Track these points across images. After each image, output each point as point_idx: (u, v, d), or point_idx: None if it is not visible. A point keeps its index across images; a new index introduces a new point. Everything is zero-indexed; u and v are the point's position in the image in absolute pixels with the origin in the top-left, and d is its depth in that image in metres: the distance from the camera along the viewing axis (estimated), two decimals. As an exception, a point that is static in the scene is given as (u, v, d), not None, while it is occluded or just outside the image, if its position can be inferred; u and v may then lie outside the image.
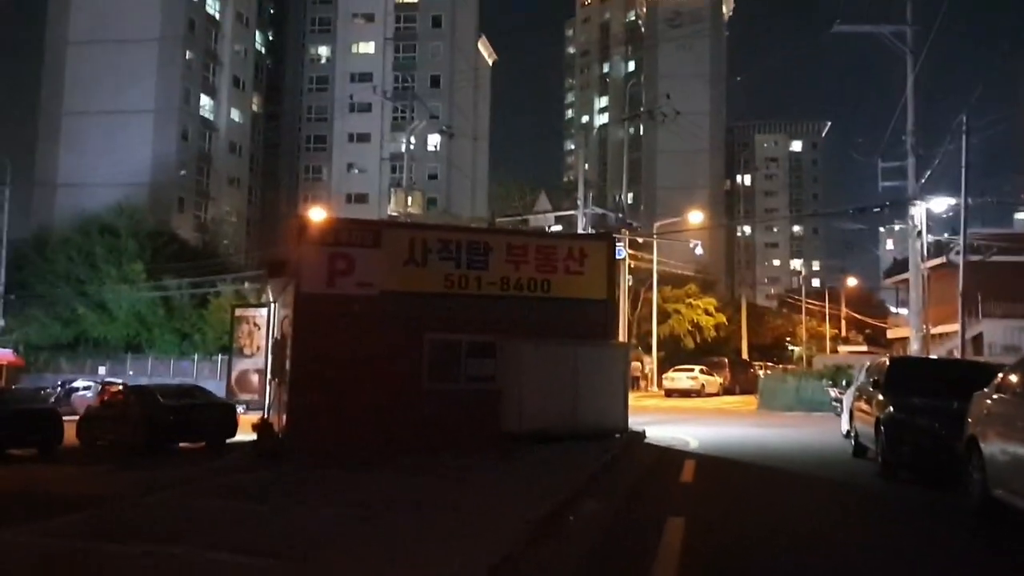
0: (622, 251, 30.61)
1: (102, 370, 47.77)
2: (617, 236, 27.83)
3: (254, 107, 79.17)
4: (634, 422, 17.87)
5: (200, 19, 70.18)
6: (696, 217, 41.47)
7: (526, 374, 15.88)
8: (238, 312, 23.81)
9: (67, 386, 34.86)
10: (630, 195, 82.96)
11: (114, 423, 19.50)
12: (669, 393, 41.29)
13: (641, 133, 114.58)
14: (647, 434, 17.53)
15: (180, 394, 20.30)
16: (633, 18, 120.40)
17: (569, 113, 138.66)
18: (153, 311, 48.00)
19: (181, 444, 19.22)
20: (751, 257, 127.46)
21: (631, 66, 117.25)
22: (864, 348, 50.14)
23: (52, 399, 32.10)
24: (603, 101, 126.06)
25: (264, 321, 21.27)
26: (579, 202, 29.29)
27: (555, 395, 15.98)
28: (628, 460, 13.27)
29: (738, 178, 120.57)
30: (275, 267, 16.06)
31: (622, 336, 34.67)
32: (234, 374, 24.26)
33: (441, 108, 78.40)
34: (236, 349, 24.13)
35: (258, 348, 22.83)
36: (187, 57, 68.66)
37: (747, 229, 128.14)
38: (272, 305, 19.62)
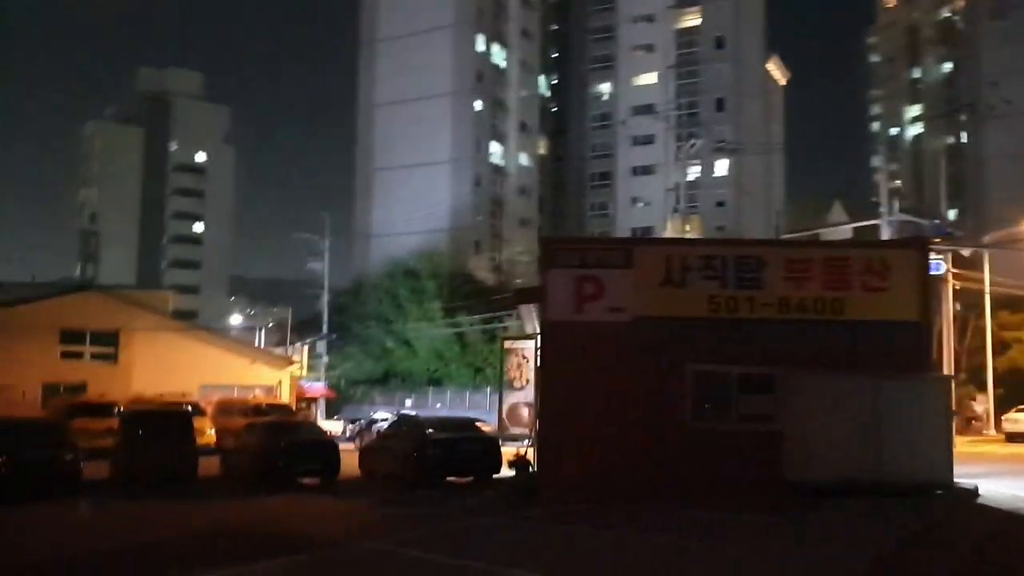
0: (940, 265, 25.71)
1: (408, 402, 50.68)
2: (933, 246, 23.32)
3: (540, 149, 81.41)
4: (963, 474, 14.22)
5: (487, 70, 73.71)
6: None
7: (813, 413, 13.14)
8: (507, 344, 23.15)
9: (370, 418, 36.85)
10: (952, 211, 73.28)
11: (387, 456, 19.48)
12: (1011, 438, 34.43)
13: (963, 140, 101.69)
14: (980, 491, 13.76)
15: (450, 427, 19.87)
16: (947, 15, 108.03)
17: (875, 126, 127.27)
18: (450, 347, 50.18)
19: (453, 478, 18.66)
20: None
21: (947, 67, 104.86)
22: None
23: (356, 431, 34.10)
24: (914, 110, 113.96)
25: (532, 353, 20.42)
26: (881, 208, 24.85)
27: (851, 439, 13.03)
28: (951, 531, 10.00)
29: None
30: (523, 295, 14.98)
31: (945, 368, 29.35)
32: (505, 407, 23.65)
33: (727, 132, 75.18)
34: (507, 382, 23.54)
35: (527, 381, 22.01)
36: (477, 108, 72.31)
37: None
38: (538, 337, 18.67)
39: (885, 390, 13.11)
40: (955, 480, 13.38)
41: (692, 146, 43.53)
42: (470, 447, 18.29)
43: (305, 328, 58.25)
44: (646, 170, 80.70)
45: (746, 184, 78.76)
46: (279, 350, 47.94)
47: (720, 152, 65.51)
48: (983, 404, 40.68)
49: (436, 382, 50.67)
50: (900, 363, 13.57)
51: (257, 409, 28.37)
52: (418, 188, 69.02)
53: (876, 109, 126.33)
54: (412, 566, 7.95)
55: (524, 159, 78.26)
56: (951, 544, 9.36)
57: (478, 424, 21.69)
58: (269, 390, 35.20)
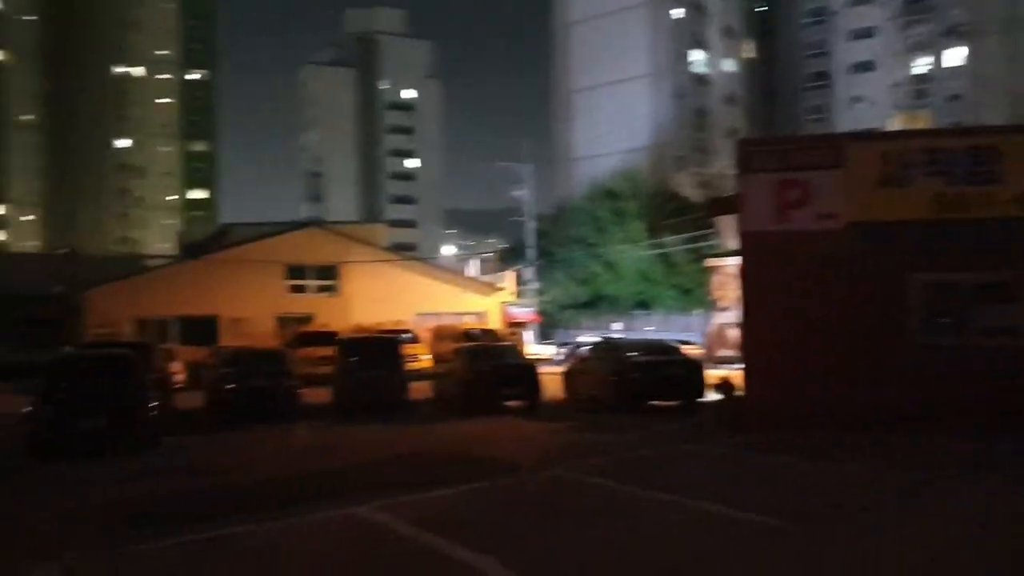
0: None
1: (616, 326, 50.66)
2: None
3: (747, 53, 76.59)
4: None
5: (685, -26, 69.87)
6: None
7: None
8: (710, 263, 22.18)
9: (575, 342, 37.12)
10: None
11: (589, 379, 19.41)
12: None
13: None
14: None
15: (651, 350, 19.42)
16: None
17: None
18: (656, 269, 49.23)
19: (655, 402, 18.31)
20: None
21: None
22: None
23: (566, 355, 34.46)
24: None
25: (736, 271, 19.37)
26: None
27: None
28: None
29: None
30: (719, 205, 13.96)
31: None
32: (711, 329, 22.79)
33: (961, 15, 66.77)
34: (712, 303, 22.64)
35: (732, 301, 20.99)
36: (675, 15, 69.01)
37: None
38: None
39: None
40: None
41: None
42: (671, 371, 17.80)
43: (513, 255, 59.49)
44: (866, 66, 73.73)
45: (986, 74, 69.81)
46: (490, 277, 49.31)
47: (952, 37, 58.05)
48: None
49: (643, 305, 50.09)
50: None
51: (467, 334, 29.40)
52: (617, 106, 67.52)
53: None
54: (591, 493, 7.67)
55: (730, 65, 74.10)
56: None
57: (681, 347, 21.06)
58: (479, 316, 36.33)
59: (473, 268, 60.42)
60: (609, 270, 50.73)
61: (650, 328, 46.64)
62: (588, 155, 67.90)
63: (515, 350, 20.68)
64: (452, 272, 45.06)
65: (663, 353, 19.11)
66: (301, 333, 28.12)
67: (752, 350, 13.07)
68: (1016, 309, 12.06)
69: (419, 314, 33.47)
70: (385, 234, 45.44)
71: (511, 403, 18.85)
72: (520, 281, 53.93)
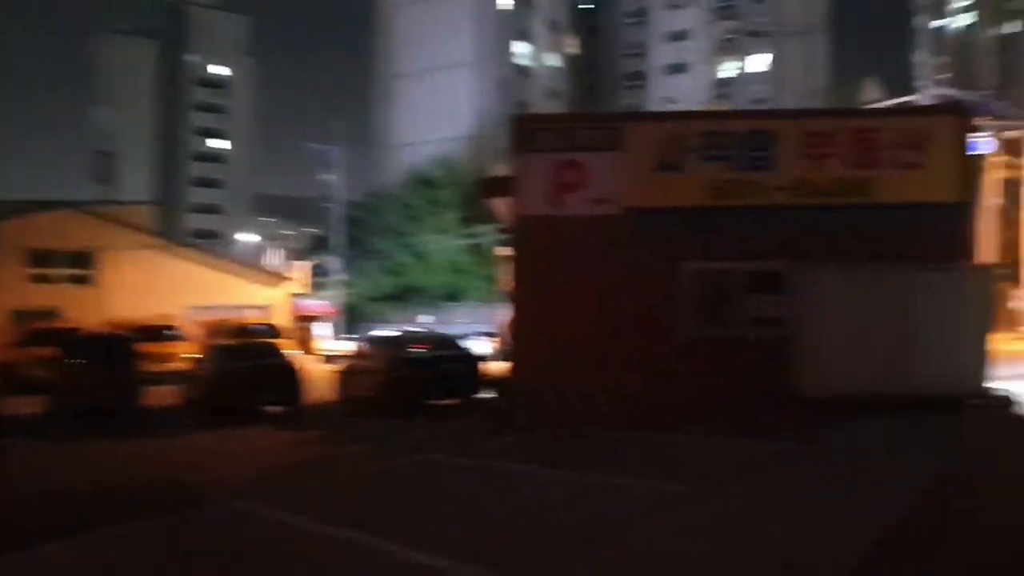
0: (991, 143, 22.81)
1: (424, 319, 49.42)
2: (979, 120, 20.43)
3: (571, 49, 77.57)
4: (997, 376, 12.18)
5: (511, -36, 69.63)
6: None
7: (830, 315, 11.12)
8: (501, 251, 21.18)
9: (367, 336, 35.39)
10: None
11: (363, 378, 17.83)
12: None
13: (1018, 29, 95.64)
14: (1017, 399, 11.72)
15: (430, 344, 18.20)
16: None
17: (922, 19, 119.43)
18: (467, 259, 48.43)
19: (433, 401, 16.96)
20: None
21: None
22: None
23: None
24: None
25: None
26: (918, 80, 21.64)
27: (874, 345, 11.01)
28: (987, 458, 7.93)
29: None
30: (493, 186, 12.90)
31: (984, 258, 26.62)
32: (501, 320, 21.84)
33: (763, 22, 70.82)
34: (503, 292, 21.72)
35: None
36: (501, 5, 68.65)
37: None
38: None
39: (916, 286, 10.98)
40: (989, 387, 11.35)
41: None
42: (448, 367, 16.53)
43: (323, 245, 56.97)
44: (679, 68, 76.66)
45: (786, 79, 74.42)
46: (281, 268, 46.66)
47: (756, 42, 61.24)
48: (1020, 299, 37.93)
49: (453, 296, 49.11)
50: (935, 253, 11.42)
51: (243, 330, 26.83)
52: (439, 94, 66.24)
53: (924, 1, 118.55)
54: (258, 535, 6.22)
55: (553, 59, 74.65)
56: (1006, 473, 7.40)
57: (463, 341, 19.98)
58: (264, 310, 33.61)
59: (277, 258, 57.39)
60: (419, 261, 49.35)
61: (462, 320, 45.79)
62: (407, 142, 66.24)
63: (273, 349, 18.62)
64: (235, 261, 41.66)
65: (442, 347, 17.93)
66: (33, 330, 23.98)
67: (522, 344, 12.13)
68: (783, 300, 11.74)
69: (194, 307, 30.27)
70: (148, 215, 40.67)
71: (271, 408, 16.85)
72: (322, 272, 51.66)
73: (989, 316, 11.14)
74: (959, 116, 12.06)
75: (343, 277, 49.65)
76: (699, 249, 11.93)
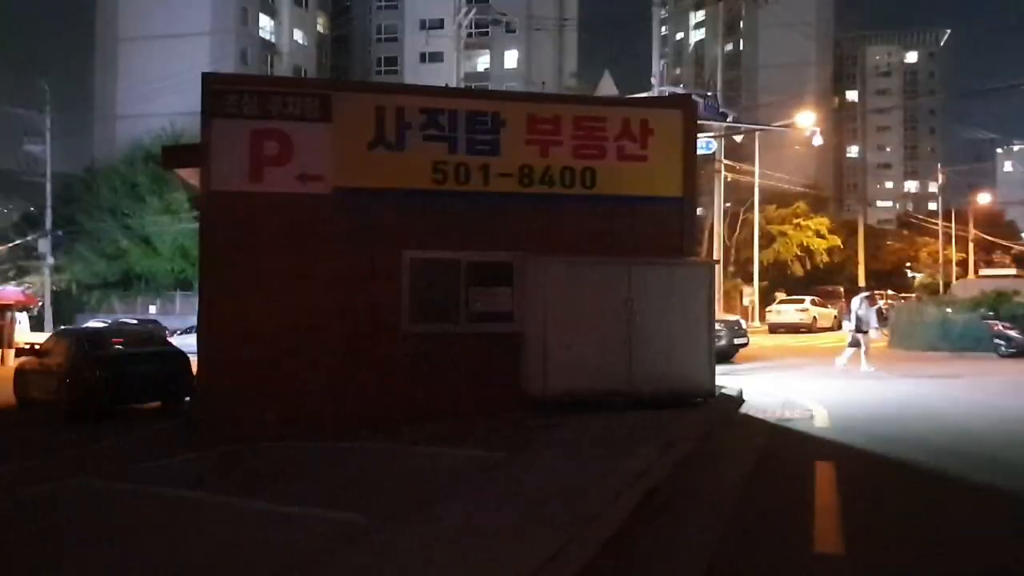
0: (712, 144, 24.10)
1: (152, 309, 44.95)
2: (706, 125, 21.33)
3: (319, 28, 74.45)
4: (726, 371, 12.22)
5: (254, -70, 65.34)
6: (806, 119, 34.30)
7: (557, 309, 10.39)
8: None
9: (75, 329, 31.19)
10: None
11: (45, 378, 15.05)
12: (774, 329, 35.10)
13: (741, 48, 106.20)
14: (745, 396, 11.82)
15: (127, 340, 15.71)
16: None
17: (663, 30, 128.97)
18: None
19: (129, 405, 14.59)
20: (861, 180, 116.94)
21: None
22: (1013, 271, 42.17)
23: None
24: (699, 15, 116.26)
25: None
26: (652, 77, 22.44)
27: (600, 340, 10.46)
28: (706, 464, 7.44)
29: (847, 94, 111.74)
30: (177, 154, 10.93)
31: (714, 255, 28.35)
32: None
33: (518, 21, 72.14)
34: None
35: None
36: (242, -26, 64.23)
37: (855, 150, 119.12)
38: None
39: (639, 279, 10.57)
40: (717, 383, 11.27)
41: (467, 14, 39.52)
42: (148, 366, 14.26)
43: (34, 224, 50.19)
44: (435, 57, 76.16)
45: (537, 76, 76.42)
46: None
47: (511, 36, 62.24)
48: (749, 296, 41.55)
49: (187, 286, 44.92)
50: (660, 246, 11.12)
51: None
52: (171, 63, 60.30)
53: (663, 13, 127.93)
54: None
55: (300, 37, 71.12)
56: (719, 480, 6.84)
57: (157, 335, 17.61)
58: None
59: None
60: (143, 244, 44.56)
61: (190, 312, 41.92)
62: (133, 114, 59.94)
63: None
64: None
65: (143, 343, 15.56)
66: None
67: (210, 341, 10.31)
68: (509, 293, 10.93)
69: None
70: None
71: None
72: (34, 255, 45.50)
73: (712, 313, 10.98)
74: (684, 109, 11.86)
75: (49, 260, 43.80)
76: (420, 236, 10.78)
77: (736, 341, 20.12)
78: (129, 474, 8.10)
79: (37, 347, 16.64)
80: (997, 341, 20.02)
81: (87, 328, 18.15)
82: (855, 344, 16.88)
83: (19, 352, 17.32)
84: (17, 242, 49.57)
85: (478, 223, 10.91)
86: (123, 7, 63.61)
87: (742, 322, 21.92)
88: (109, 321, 31.24)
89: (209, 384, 10.35)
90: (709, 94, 23.27)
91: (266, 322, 10.32)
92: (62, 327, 27.52)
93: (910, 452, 8.01)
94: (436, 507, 5.91)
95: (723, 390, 11.72)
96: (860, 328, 16.91)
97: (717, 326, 17.84)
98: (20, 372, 16.33)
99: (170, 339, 20.81)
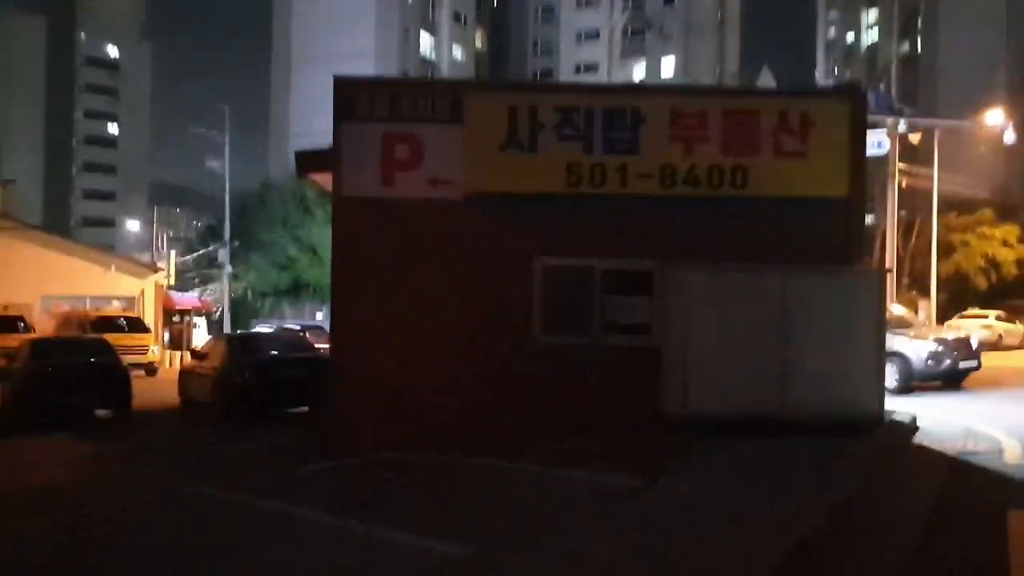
0: (884, 143, 22.07)
1: (319, 315, 46.88)
2: (878, 123, 19.42)
3: (477, 43, 75.86)
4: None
5: (416, -47, 67.53)
6: (995, 116, 31.05)
7: (700, 321, 9.48)
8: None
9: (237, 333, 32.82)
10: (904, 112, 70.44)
11: (201, 381, 15.66)
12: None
13: (919, 49, 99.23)
14: (920, 423, 10.39)
15: (278, 346, 16.14)
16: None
17: (831, 32, 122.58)
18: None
19: (279, 408, 14.86)
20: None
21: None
22: None
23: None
24: (871, 16, 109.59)
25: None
26: (818, 55, 20.55)
27: (750, 358, 9.45)
28: (871, 510, 6.30)
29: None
30: (313, 160, 10.90)
31: (885, 263, 26.03)
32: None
33: (675, 30, 70.73)
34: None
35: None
36: (405, -6, 66.56)
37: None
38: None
39: (795, 289, 9.47)
40: (886, 408, 9.94)
41: (614, 22, 38.68)
42: (295, 371, 14.48)
43: (215, 235, 53.77)
44: (590, 68, 75.84)
45: (696, 82, 74.36)
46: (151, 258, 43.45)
47: (666, 43, 60.96)
48: (925, 310, 38.13)
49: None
50: (821, 253, 9.96)
51: (101, 322, 24.28)
52: (339, 82, 63.47)
53: (833, 15, 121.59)
54: None
55: (458, 53, 72.74)
56: (891, 532, 5.74)
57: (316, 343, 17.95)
58: (130, 301, 30.76)
59: (162, 248, 53.77)
60: (310, 253, 46.64)
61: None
62: (305, 131, 63.19)
63: (103, 346, 16.25)
64: (98, 248, 38.20)
65: (292, 349, 15.86)
66: None
67: (344, 351, 10.16)
68: (647, 304, 10.11)
69: (47, 297, 27.32)
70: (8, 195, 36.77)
71: (99, 411, 14.81)
72: (213, 264, 48.59)
73: (883, 327, 9.70)
74: (852, 100, 10.63)
75: (228, 269, 46.65)
76: (553, 242, 10.18)
77: (963, 365, 16.49)
78: (246, 484, 7.97)
79: (198, 350, 17.36)
80: None
81: (242, 333, 18.81)
82: None
83: (193, 354, 18.42)
84: (200, 252, 53.34)
85: (615, 228, 10.18)
86: (297, 29, 67.35)
87: (973, 340, 17.90)
88: (274, 326, 32.63)
89: (340, 394, 10.17)
90: (882, 87, 21.30)
91: (396, 331, 10.05)
92: (223, 332, 28.96)
93: None
94: (548, 540, 5.26)
95: (893, 416, 10.37)
96: None
97: (938, 345, 16.00)
98: (183, 373, 17.15)
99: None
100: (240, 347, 15.55)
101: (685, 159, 10.12)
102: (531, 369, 10.08)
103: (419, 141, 10.05)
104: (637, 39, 74.51)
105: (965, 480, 7.51)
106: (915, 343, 16.07)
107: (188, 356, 27.28)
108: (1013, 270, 45.15)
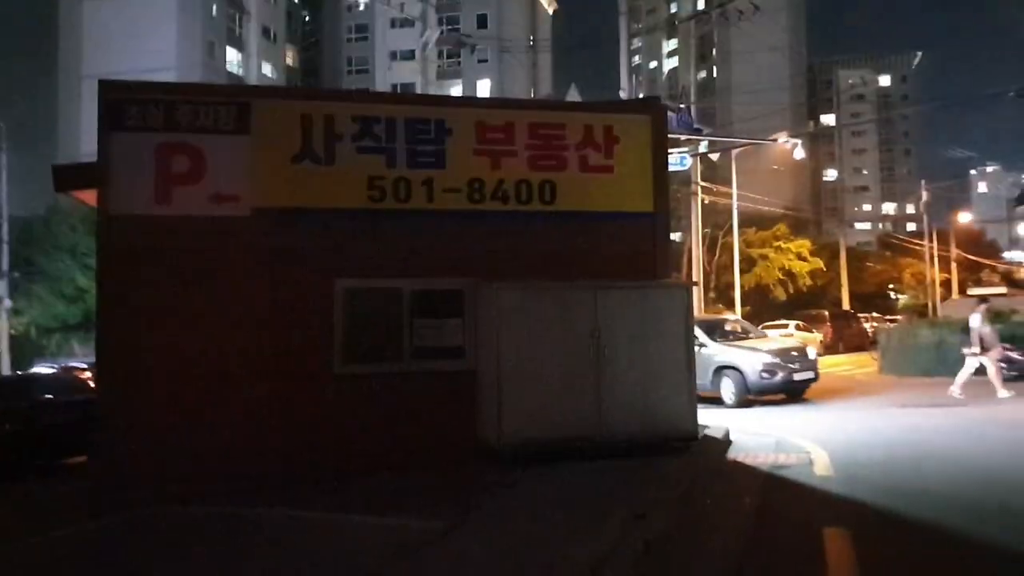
0: (686, 159, 22.88)
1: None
2: (680, 137, 20.10)
3: (288, 61, 73.56)
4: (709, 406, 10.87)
5: (221, -35, 64.58)
6: (784, 137, 33.44)
7: (512, 341, 9.00)
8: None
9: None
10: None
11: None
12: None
13: (714, 75, 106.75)
14: (732, 436, 10.43)
15: (51, 388, 14.20)
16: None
17: (636, 59, 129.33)
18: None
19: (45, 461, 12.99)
20: (838, 202, 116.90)
21: (700, 3, 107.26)
22: (1003, 289, 41.13)
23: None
24: (671, 44, 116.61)
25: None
26: (621, 91, 21.13)
27: (564, 378, 9.08)
28: (686, 540, 5.98)
29: (821, 118, 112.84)
30: (72, 174, 9.53)
31: (692, 277, 27.08)
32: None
33: (489, 52, 71.68)
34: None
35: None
36: (209, 8, 63.30)
37: (832, 174, 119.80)
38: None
39: (604, 305, 9.22)
40: (699, 424, 9.87)
41: (427, 36, 38.57)
42: (68, 416, 12.71)
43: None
44: (406, 88, 75.34)
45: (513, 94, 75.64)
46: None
47: (482, 65, 61.58)
48: (731, 323, 40.17)
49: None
50: (629, 269, 9.79)
51: None
52: (137, 99, 59.26)
53: (637, 43, 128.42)
54: None
55: (268, 70, 70.16)
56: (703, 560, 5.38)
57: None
58: None
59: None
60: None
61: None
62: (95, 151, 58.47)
63: None
64: None
65: (67, 392, 14.01)
66: None
67: (110, 388, 8.84)
68: (460, 326, 9.53)
69: None
70: None
71: None
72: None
73: (691, 340, 9.62)
74: (653, 114, 10.59)
75: (7, 304, 41.98)
76: (356, 263, 9.40)
77: (799, 376, 15.96)
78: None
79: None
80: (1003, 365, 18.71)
81: (4, 376, 16.58)
82: (977, 369, 14.92)
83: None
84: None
85: (422, 246, 9.55)
86: (88, 41, 62.48)
87: (810, 351, 17.15)
88: (58, 366, 29.46)
89: (110, 438, 8.84)
90: (682, 106, 22.13)
91: (176, 365, 8.86)
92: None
93: (938, 511, 6.58)
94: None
95: (707, 430, 10.35)
96: (984, 347, 14.92)
97: (773, 357, 15.56)
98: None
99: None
100: (1, 391, 13.53)
101: (493, 173, 9.68)
102: (334, 403, 9.21)
103: (200, 153, 8.99)
104: (453, 61, 75.03)
105: (780, 496, 7.40)
106: (750, 356, 15.68)
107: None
108: (808, 281, 48.78)
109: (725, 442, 10.06)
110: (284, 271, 9.15)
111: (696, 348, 15.00)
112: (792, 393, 15.84)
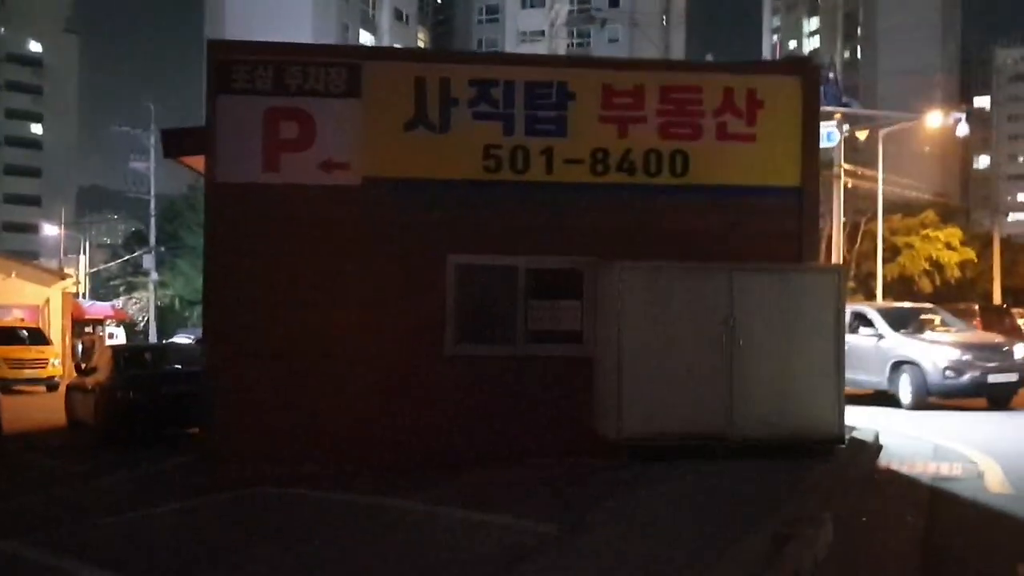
0: (834, 134, 21.18)
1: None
2: (828, 109, 18.46)
3: (420, 43, 74.22)
4: (855, 410, 9.68)
5: (355, -52, 65.86)
6: (934, 119, 30.74)
7: (636, 328, 8.14)
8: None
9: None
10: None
11: (85, 398, 13.85)
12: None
13: (859, 55, 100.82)
14: (881, 441, 9.21)
15: (170, 359, 14.44)
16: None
17: (774, 39, 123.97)
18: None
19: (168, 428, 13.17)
20: (989, 191, 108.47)
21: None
22: None
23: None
24: (813, 23, 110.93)
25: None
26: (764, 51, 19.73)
27: (693, 369, 8.15)
28: (846, 566, 4.93)
29: (975, 100, 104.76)
30: (182, 139, 9.29)
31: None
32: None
33: (621, 30, 70.10)
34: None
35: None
36: (344, -8, 64.82)
37: (985, 159, 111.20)
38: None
39: (740, 290, 8.20)
40: (847, 425, 8.73)
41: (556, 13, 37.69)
42: (180, 388, 12.74)
43: (138, 241, 51.48)
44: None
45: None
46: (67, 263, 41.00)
47: (609, 43, 60.43)
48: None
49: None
50: (771, 250, 8.73)
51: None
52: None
53: (776, 22, 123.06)
54: None
55: (400, 53, 71.18)
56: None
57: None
58: (36, 310, 28.49)
59: (81, 254, 51.10)
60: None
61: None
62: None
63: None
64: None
65: (191, 362, 14.12)
66: None
67: (219, 360, 8.59)
68: (577, 308, 8.77)
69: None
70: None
71: None
72: (138, 271, 46.31)
73: (842, 331, 8.47)
74: (804, 76, 9.41)
75: (153, 276, 44.37)
76: (469, 237, 8.79)
77: (995, 378, 13.18)
78: (79, 533, 6.36)
79: (85, 364, 15.52)
80: None
81: (132, 344, 17.06)
82: None
83: (79, 369, 16.64)
84: (126, 258, 50.90)
85: (539, 221, 8.83)
86: (230, 25, 64.95)
87: (1018, 348, 13.99)
88: (195, 336, 30.68)
89: (219, 414, 8.62)
90: (831, 75, 20.42)
91: (282, 341, 8.54)
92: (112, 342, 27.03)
93: None
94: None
95: (853, 432, 9.19)
96: None
97: (961, 352, 13.16)
98: (69, 390, 15.27)
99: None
100: (127, 360, 13.75)
101: (619, 142, 8.84)
102: (443, 386, 8.66)
103: (309, 118, 8.58)
104: (583, 41, 73.87)
105: (951, 518, 6.26)
106: (931, 349, 13.31)
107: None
108: (956, 272, 45.25)
109: (875, 447, 8.88)
110: (395, 246, 8.65)
111: (875, 340, 14.05)
112: (990, 398, 13.27)
